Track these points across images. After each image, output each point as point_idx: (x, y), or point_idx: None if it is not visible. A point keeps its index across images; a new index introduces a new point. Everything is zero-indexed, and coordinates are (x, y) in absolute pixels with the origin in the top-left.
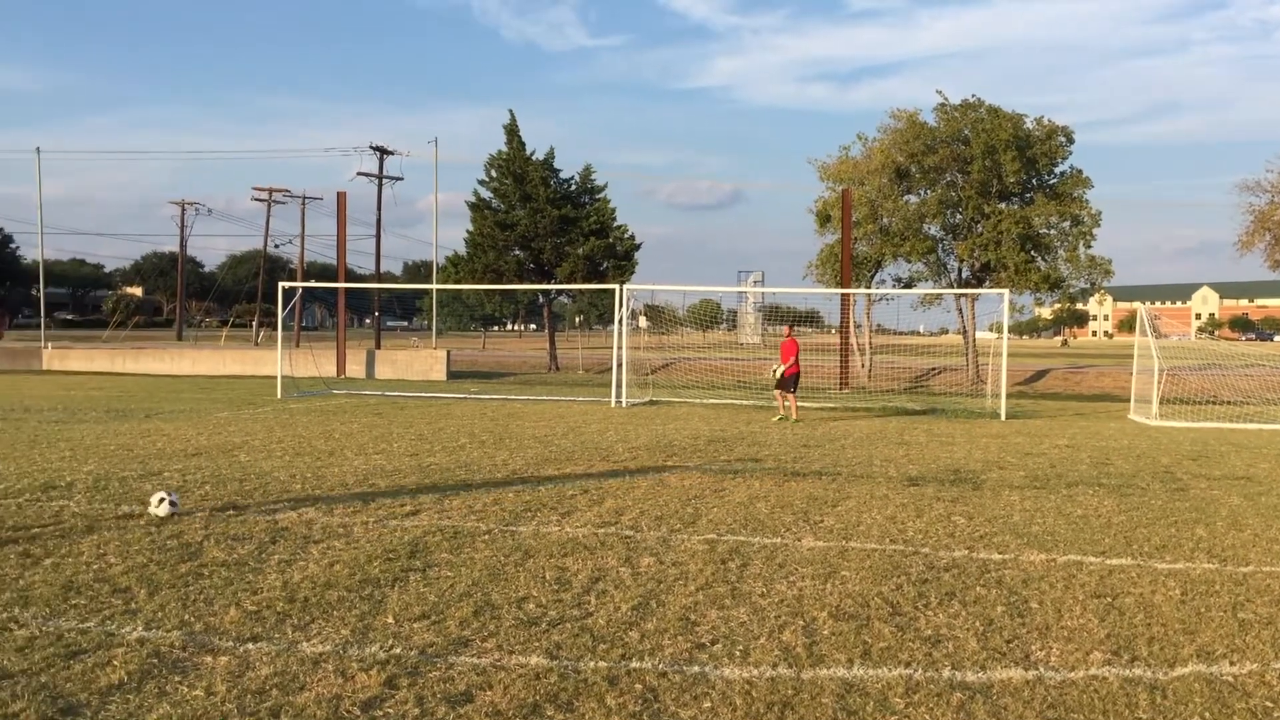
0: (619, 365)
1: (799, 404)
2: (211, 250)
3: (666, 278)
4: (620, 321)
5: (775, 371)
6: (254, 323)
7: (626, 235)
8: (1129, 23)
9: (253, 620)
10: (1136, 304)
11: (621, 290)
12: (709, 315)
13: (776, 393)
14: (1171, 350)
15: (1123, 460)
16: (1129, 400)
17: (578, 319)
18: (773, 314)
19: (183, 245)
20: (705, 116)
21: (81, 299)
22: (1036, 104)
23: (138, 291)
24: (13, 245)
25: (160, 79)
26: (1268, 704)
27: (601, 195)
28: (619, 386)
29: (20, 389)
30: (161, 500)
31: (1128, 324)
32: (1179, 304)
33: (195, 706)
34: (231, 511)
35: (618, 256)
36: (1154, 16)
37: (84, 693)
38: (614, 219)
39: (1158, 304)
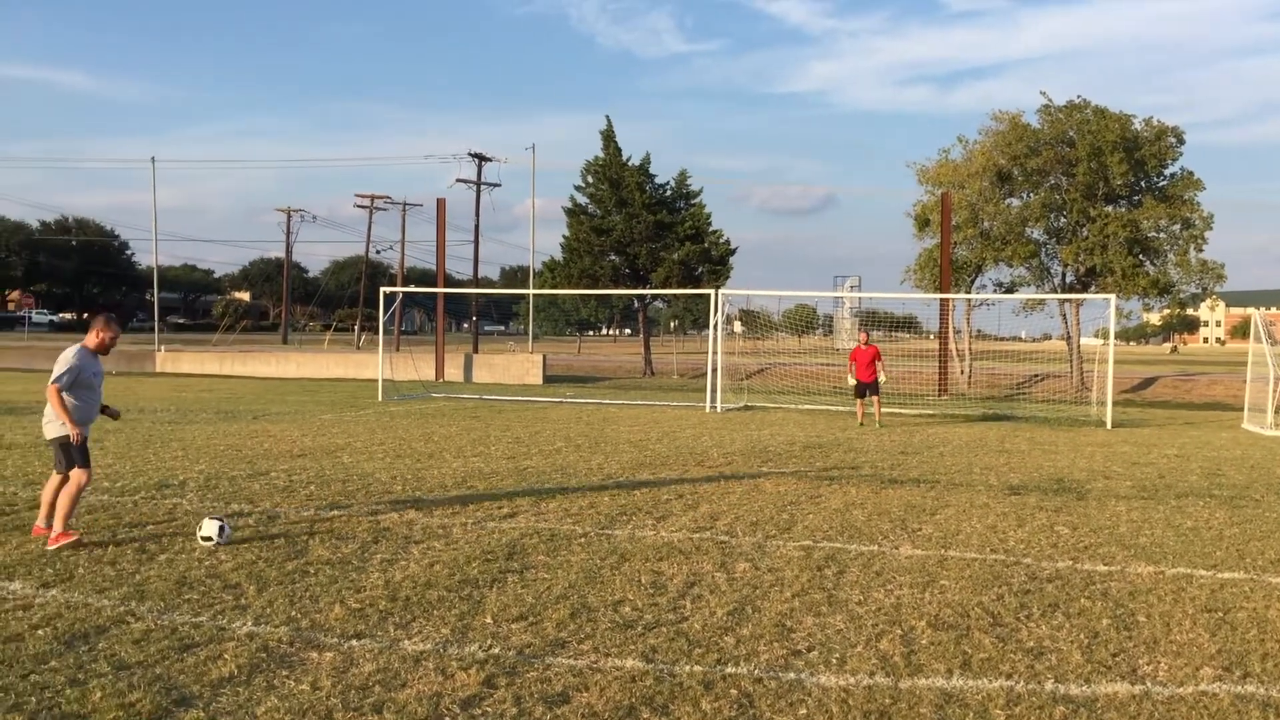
0: (714, 370)
1: (882, 409)
2: (315, 256)
3: (761, 283)
4: (715, 326)
5: (850, 379)
6: (356, 327)
7: (721, 240)
8: (1239, 20)
9: (356, 618)
10: (1250, 309)
11: (717, 295)
12: (804, 320)
13: (857, 401)
14: None
15: (1235, 471)
16: (1242, 409)
17: (673, 324)
18: (870, 319)
19: (288, 251)
20: (801, 121)
21: (192, 303)
22: (1145, 104)
23: (245, 296)
24: (128, 252)
25: (268, 89)
26: None
27: (696, 200)
28: (714, 391)
29: (135, 390)
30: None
31: (1241, 330)
32: None
33: (302, 700)
34: (336, 512)
35: (713, 261)
36: (1268, 13)
37: (196, 684)
38: (709, 224)
39: (1273, 309)
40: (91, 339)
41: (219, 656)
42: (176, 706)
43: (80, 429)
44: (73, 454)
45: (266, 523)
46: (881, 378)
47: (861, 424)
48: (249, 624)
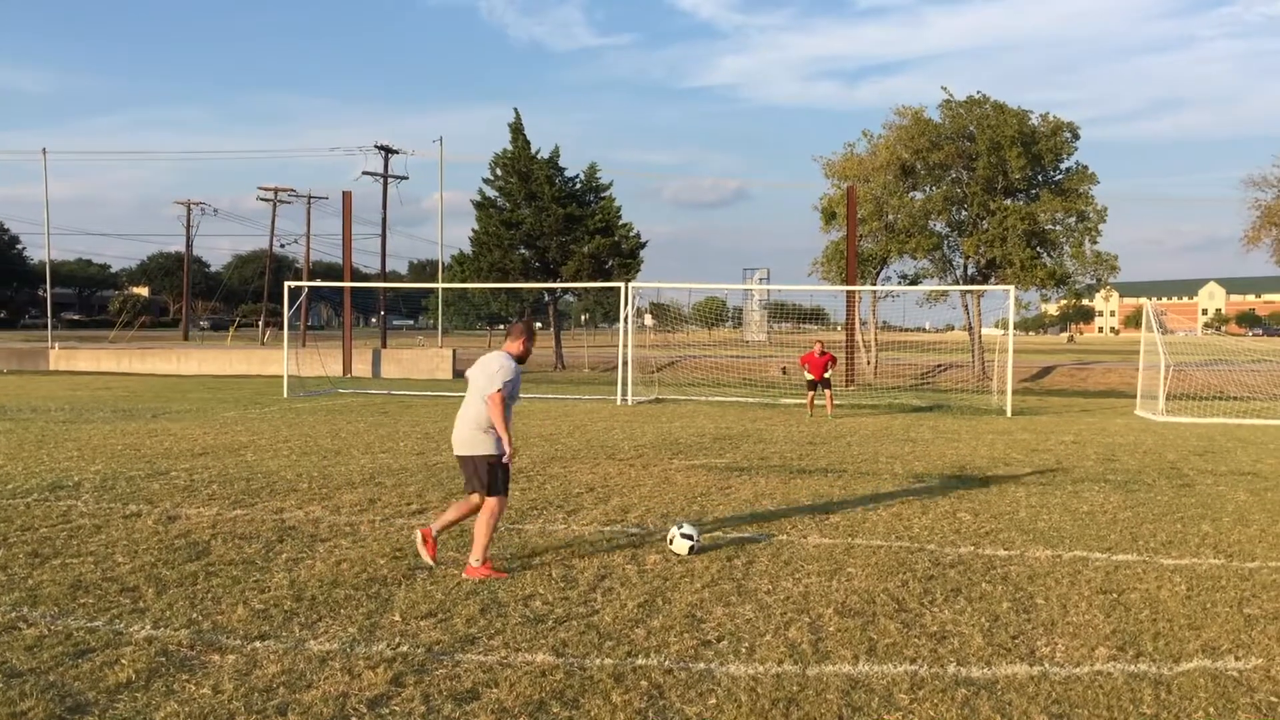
0: (625, 363)
1: (816, 403)
2: (217, 250)
3: (672, 275)
4: (626, 320)
5: (806, 374)
6: (260, 322)
7: (632, 233)
8: (1135, 19)
9: (260, 619)
10: (1143, 300)
11: (627, 288)
12: (714, 313)
13: (809, 394)
14: (1178, 346)
15: (1129, 456)
16: (1135, 396)
17: (583, 317)
18: (778, 311)
19: (189, 245)
20: (711, 115)
21: (88, 299)
22: (1043, 100)
23: (144, 292)
24: (19, 246)
25: (167, 79)
26: (1272, 699)
27: (607, 194)
28: (625, 385)
29: (27, 389)
30: (684, 538)
31: (1134, 320)
32: (1185, 299)
33: (203, 704)
34: (239, 511)
35: (623, 254)
36: (1160, 13)
37: (92, 691)
38: (619, 217)
39: (1164, 300)
40: (516, 347)
41: (116, 662)
42: (71, 714)
43: (513, 449)
44: (498, 476)
45: (166, 523)
46: (828, 373)
47: (811, 415)
48: (148, 627)
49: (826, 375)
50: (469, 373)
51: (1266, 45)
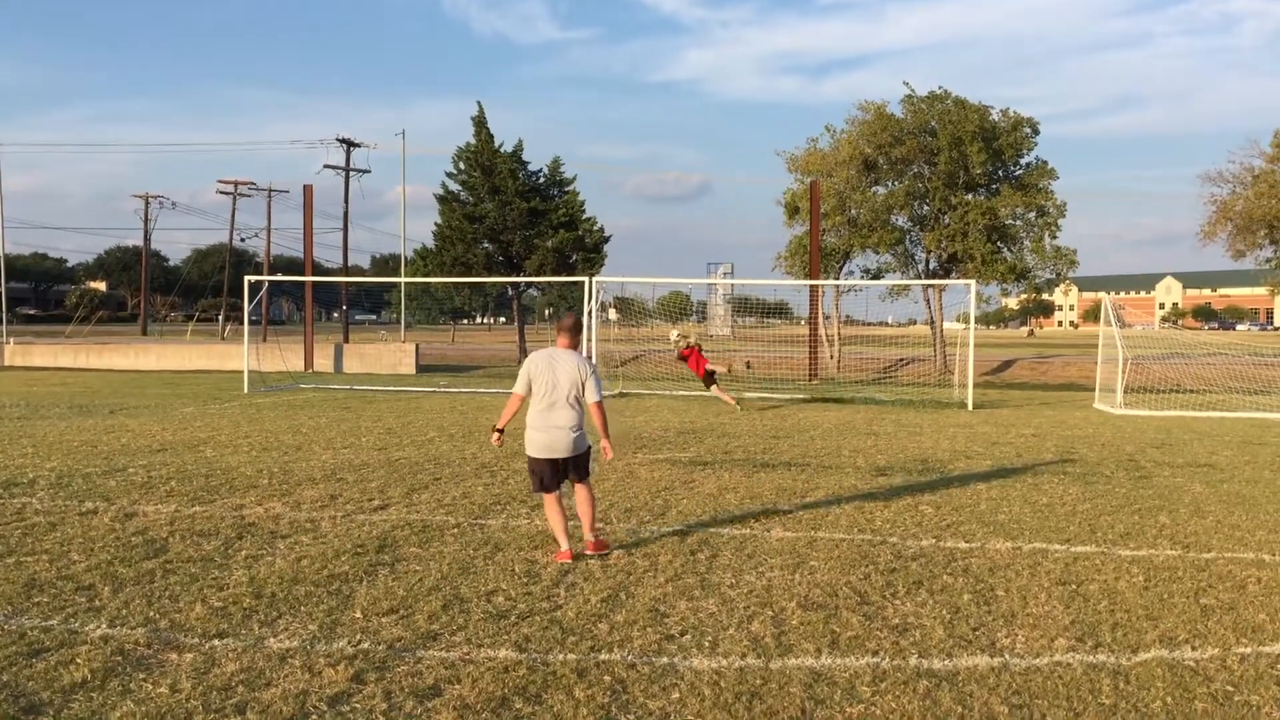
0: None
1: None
2: (176, 244)
3: (635, 270)
4: (589, 314)
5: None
6: (220, 317)
7: (595, 228)
8: (1093, 16)
9: (219, 616)
10: (1101, 294)
11: (591, 283)
12: (678, 307)
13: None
14: (1135, 340)
15: (1087, 449)
16: (1094, 389)
17: (547, 311)
18: (742, 306)
19: (146, 239)
20: (675, 109)
21: (44, 294)
22: (1003, 96)
23: (101, 286)
24: None
25: (126, 72)
26: (1229, 688)
27: (570, 188)
28: None
29: None
30: None
31: (1093, 314)
32: (1143, 294)
33: (160, 704)
34: (198, 508)
35: (587, 249)
36: (1118, 10)
37: (47, 691)
38: (583, 211)
39: (1122, 294)
40: (579, 340)
41: (71, 661)
42: (26, 714)
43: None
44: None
45: (123, 521)
46: (717, 368)
47: (738, 406)
48: (103, 626)
49: (709, 368)
50: (542, 375)
51: (1220, 42)
